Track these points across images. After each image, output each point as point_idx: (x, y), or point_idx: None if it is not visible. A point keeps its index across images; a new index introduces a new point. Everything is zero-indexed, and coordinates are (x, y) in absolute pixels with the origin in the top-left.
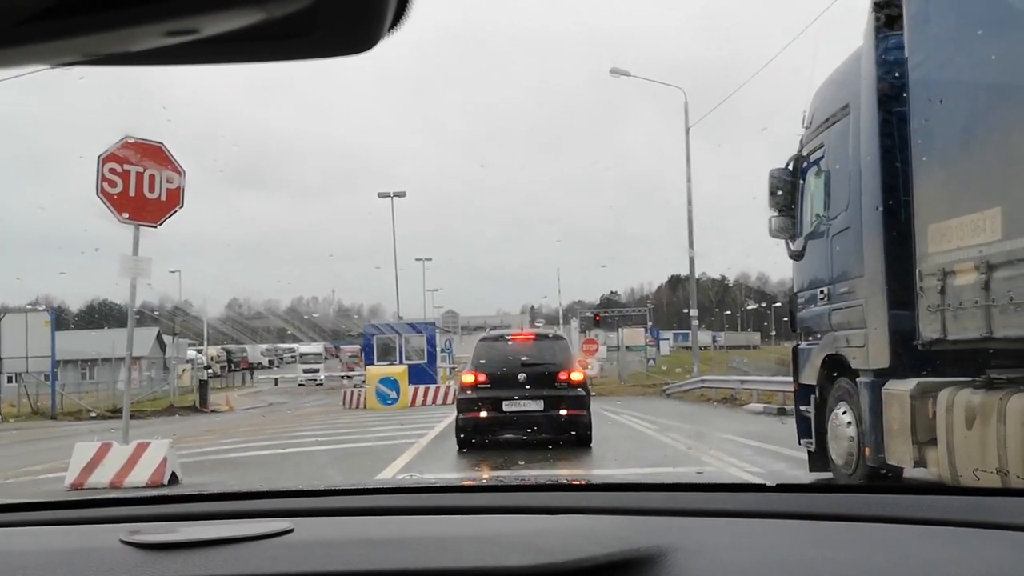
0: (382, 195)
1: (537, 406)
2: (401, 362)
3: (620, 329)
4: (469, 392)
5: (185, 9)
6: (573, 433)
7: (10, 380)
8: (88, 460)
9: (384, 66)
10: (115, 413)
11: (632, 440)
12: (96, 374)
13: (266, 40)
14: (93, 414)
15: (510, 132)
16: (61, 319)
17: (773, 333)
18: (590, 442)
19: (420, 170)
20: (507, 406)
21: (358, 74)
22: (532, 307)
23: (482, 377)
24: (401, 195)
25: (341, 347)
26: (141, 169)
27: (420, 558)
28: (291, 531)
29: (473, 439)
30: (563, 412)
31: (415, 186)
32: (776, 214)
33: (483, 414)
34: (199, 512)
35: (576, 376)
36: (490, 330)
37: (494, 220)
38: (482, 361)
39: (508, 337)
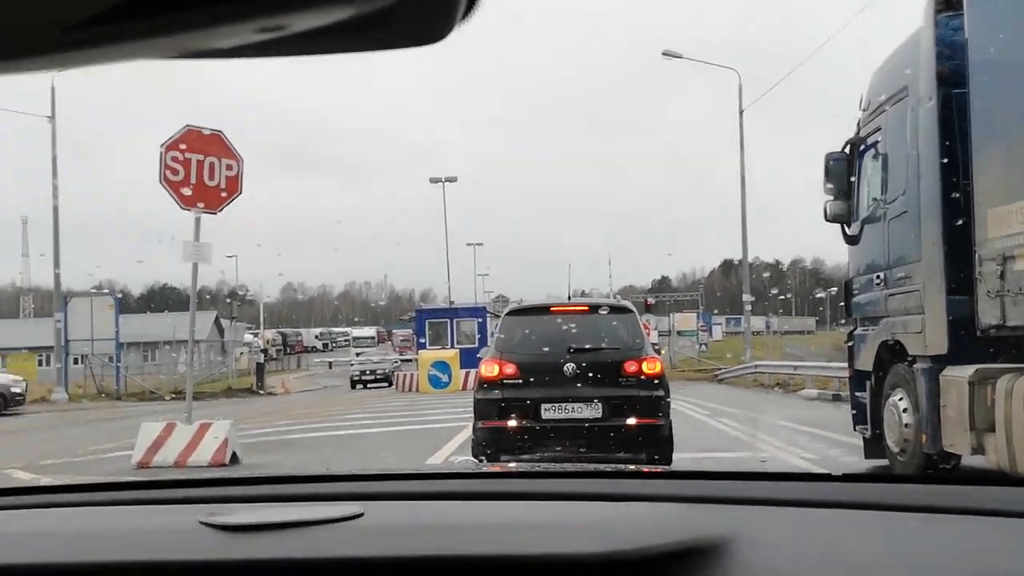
0: (434, 180)
1: (593, 412)
2: (452, 346)
3: (672, 314)
4: (491, 390)
5: (277, 7)
6: (646, 452)
7: (76, 362)
8: (154, 439)
9: (432, 49)
10: (177, 394)
11: (684, 425)
12: (158, 356)
13: (342, 32)
14: (156, 395)
15: (560, 115)
16: (124, 303)
17: (828, 318)
18: (670, 462)
19: (471, 155)
20: (547, 412)
21: (407, 58)
22: (583, 292)
23: (510, 368)
24: (452, 180)
25: (393, 331)
26: (202, 157)
27: (489, 544)
28: (362, 515)
29: (497, 459)
30: (632, 421)
31: (466, 171)
32: (832, 198)
33: (511, 423)
34: (268, 494)
35: (651, 367)
36: (522, 301)
37: (544, 205)
38: (511, 345)
39: (549, 309)
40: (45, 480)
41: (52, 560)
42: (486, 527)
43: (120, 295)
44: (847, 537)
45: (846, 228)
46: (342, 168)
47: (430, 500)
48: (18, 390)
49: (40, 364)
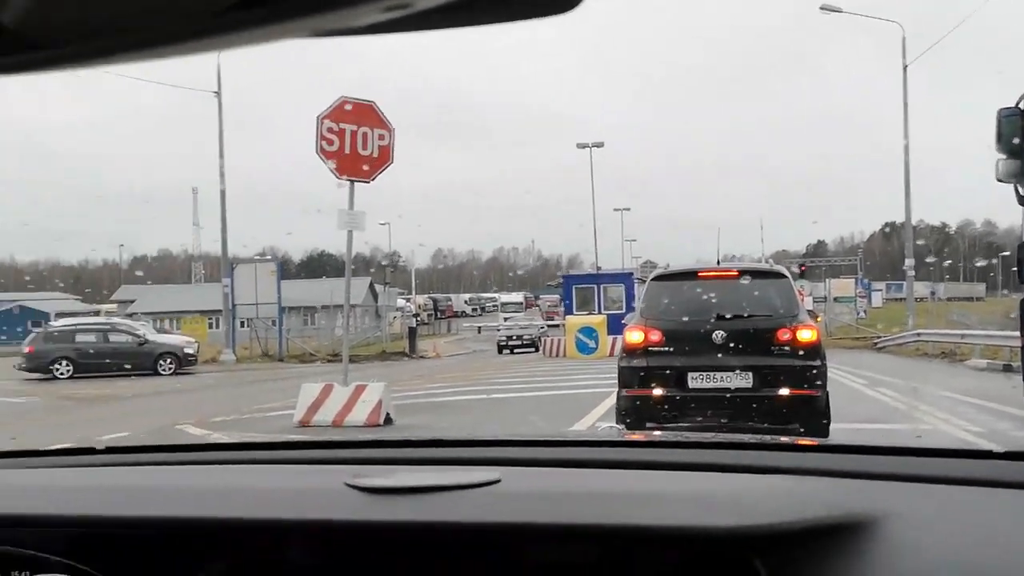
0: (580, 145)
1: (743, 381)
2: (600, 312)
3: (828, 280)
4: (635, 358)
5: None
6: (800, 424)
7: (243, 325)
8: (313, 400)
9: (575, 14)
10: (334, 357)
11: (839, 395)
12: (316, 320)
13: (471, 5)
14: (315, 357)
15: (709, 76)
16: (285, 269)
17: (999, 284)
18: (826, 435)
19: (619, 119)
20: (694, 381)
21: (552, 23)
22: (733, 257)
23: (656, 335)
24: (599, 145)
25: (541, 296)
26: (355, 127)
27: (625, 513)
28: (499, 481)
29: (642, 427)
30: (784, 392)
31: (614, 135)
32: (1005, 156)
33: (656, 391)
34: (413, 457)
35: (806, 335)
36: (668, 266)
37: (693, 169)
38: (656, 311)
39: (697, 274)
40: (215, 436)
41: (215, 515)
42: (622, 496)
43: (281, 261)
44: (1006, 519)
45: (1020, 188)
46: (490, 135)
47: (567, 467)
48: (191, 351)
49: (210, 327)
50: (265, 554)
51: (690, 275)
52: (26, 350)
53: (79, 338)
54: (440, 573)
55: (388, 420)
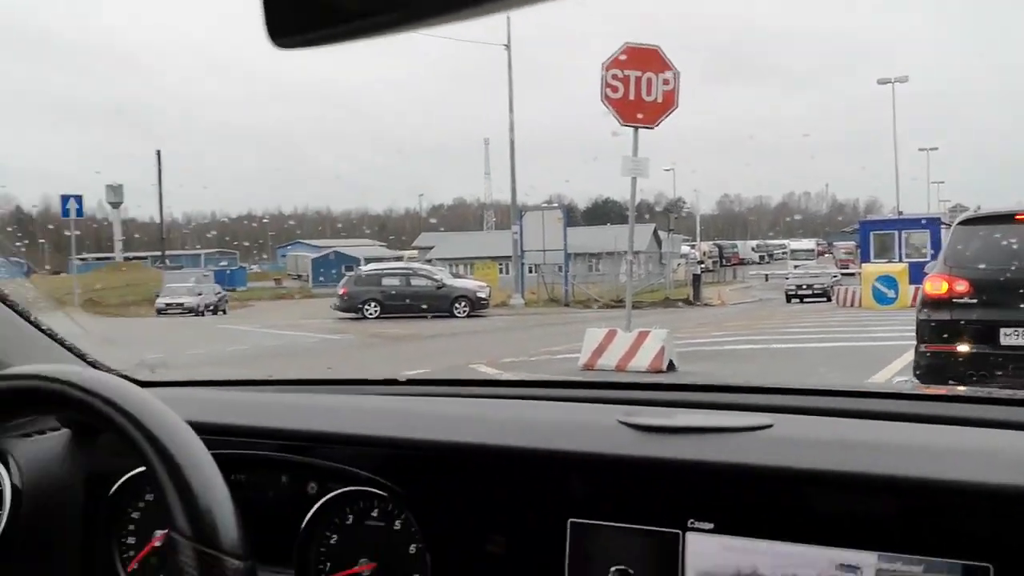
0: (882, 81)
1: None
2: (900, 260)
3: None
4: (937, 310)
5: None
6: None
7: (530, 271)
8: (597, 344)
9: None
10: (618, 303)
11: None
12: (601, 267)
13: None
14: (599, 303)
15: None
16: (571, 215)
17: None
18: None
19: (923, 52)
20: (1008, 337)
21: None
22: None
23: (962, 285)
24: (903, 80)
25: (834, 243)
26: (639, 73)
27: (900, 465)
28: (770, 426)
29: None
30: None
31: (918, 70)
32: None
33: (961, 347)
34: (686, 400)
35: None
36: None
37: (1011, 102)
38: (963, 259)
39: (1015, 217)
40: (505, 376)
41: (498, 443)
42: (896, 448)
43: (567, 208)
44: None
45: None
46: (785, 74)
47: (843, 417)
48: (483, 295)
49: (501, 272)
50: (541, 481)
51: (1006, 218)
52: (340, 292)
53: (385, 282)
54: (707, 511)
55: (671, 367)
